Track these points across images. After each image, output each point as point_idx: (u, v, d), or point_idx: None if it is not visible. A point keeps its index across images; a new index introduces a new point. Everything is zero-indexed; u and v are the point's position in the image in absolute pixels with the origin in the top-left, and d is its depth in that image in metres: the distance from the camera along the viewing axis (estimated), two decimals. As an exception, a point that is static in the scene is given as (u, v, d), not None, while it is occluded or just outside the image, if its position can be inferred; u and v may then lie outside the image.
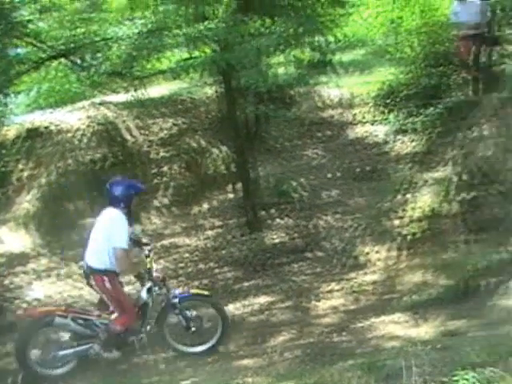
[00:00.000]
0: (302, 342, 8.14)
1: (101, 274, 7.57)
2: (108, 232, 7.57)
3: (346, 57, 16.17)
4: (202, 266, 10.59)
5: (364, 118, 13.51)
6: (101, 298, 7.89)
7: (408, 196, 10.91)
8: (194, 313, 8.10)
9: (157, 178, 12.06)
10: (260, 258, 10.65)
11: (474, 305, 8.26)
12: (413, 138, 12.29)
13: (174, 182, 12.05)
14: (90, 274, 7.71)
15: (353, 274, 10.11)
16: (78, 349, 7.67)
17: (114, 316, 7.70)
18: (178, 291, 8.31)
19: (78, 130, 12.00)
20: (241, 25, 10.26)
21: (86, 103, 12.97)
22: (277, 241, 11.06)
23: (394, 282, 9.68)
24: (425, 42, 13.92)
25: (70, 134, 11.91)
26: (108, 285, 7.57)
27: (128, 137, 12.33)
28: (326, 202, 11.70)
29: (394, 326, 8.25)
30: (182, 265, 10.62)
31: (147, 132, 12.58)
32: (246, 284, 10.20)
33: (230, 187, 12.11)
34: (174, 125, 12.79)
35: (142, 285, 7.98)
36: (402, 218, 10.65)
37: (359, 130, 13.31)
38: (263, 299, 9.71)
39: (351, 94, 14.15)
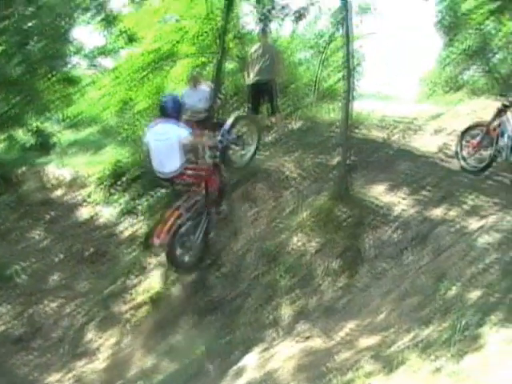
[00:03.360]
0: None
1: (182, 170, 9.64)
2: (174, 137, 9.53)
3: (77, 136, 16.03)
4: None
5: (91, 198, 13.29)
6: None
7: (134, 279, 10.77)
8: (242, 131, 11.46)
9: None
10: (-23, 351, 9.99)
11: (204, 389, 8.16)
12: (139, 219, 12.23)
13: None
14: (174, 178, 9.77)
15: (80, 363, 9.74)
16: (202, 226, 10.00)
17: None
18: (224, 135, 10.82)
19: None
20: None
21: None
22: (-4, 331, 10.43)
23: (121, 368, 9.45)
24: (152, 124, 14.11)
25: None
26: (188, 172, 9.82)
27: None
28: (51, 287, 11.22)
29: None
30: None
31: None
32: (-41, 383, 9.48)
33: None
34: None
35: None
36: (128, 301, 10.45)
37: (86, 211, 13.02)
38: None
39: (80, 173, 13.97)
